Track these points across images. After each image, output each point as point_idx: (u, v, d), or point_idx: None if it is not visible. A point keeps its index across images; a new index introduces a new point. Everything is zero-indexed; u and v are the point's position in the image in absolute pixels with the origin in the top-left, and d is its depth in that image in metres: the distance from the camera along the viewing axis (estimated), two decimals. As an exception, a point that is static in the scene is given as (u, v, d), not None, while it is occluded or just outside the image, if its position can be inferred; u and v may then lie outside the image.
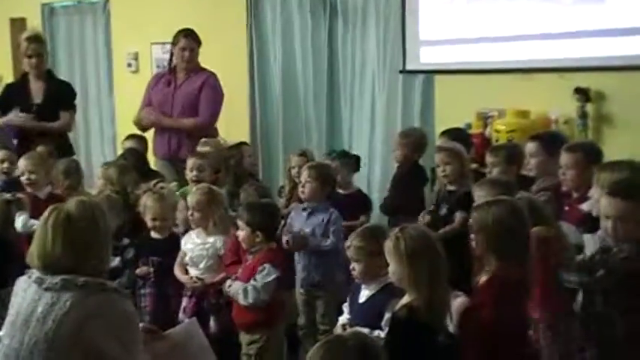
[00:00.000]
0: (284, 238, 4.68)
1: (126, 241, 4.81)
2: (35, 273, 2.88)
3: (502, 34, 6.10)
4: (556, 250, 3.55)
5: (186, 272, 4.60)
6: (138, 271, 4.66)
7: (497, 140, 5.66)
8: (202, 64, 6.59)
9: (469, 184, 4.67)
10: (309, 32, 7.22)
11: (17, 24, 9.41)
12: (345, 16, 7.02)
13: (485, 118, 6.03)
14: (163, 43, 7.58)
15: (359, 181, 5.88)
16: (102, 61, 9.07)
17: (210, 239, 4.55)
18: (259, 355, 4.28)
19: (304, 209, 4.85)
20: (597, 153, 4.42)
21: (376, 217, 5.73)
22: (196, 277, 4.53)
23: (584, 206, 4.04)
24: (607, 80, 5.57)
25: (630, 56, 5.45)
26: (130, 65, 8.71)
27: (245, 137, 7.07)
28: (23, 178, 5.48)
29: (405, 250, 3.12)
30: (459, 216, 4.68)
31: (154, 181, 5.15)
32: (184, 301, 4.55)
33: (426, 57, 6.56)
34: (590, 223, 3.77)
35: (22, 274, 2.98)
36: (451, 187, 4.86)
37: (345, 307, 3.73)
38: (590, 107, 5.59)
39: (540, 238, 3.37)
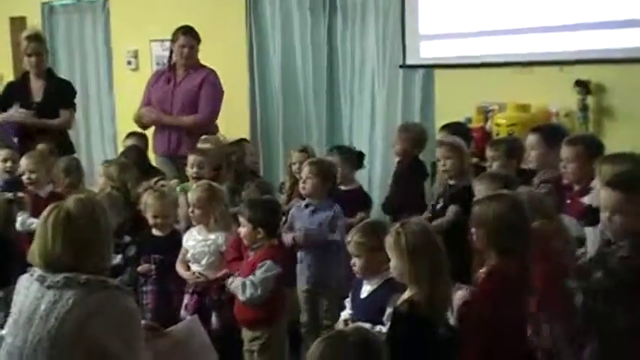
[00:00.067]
0: (289, 236, 4.68)
1: (127, 238, 4.82)
2: (37, 271, 2.88)
3: (502, 28, 6.10)
4: (558, 246, 3.56)
5: (188, 269, 4.60)
6: (139, 268, 4.67)
7: (497, 134, 5.65)
8: (202, 61, 6.59)
9: (469, 178, 4.67)
10: (309, 29, 7.22)
11: (17, 23, 9.41)
12: (345, 12, 7.01)
13: (485, 112, 6.03)
14: (163, 41, 7.58)
15: (359, 177, 5.87)
16: (102, 59, 9.07)
17: (212, 236, 4.56)
18: (261, 351, 4.28)
19: (307, 206, 4.84)
20: (598, 146, 4.42)
21: (376, 214, 5.72)
22: (198, 273, 4.54)
23: (586, 199, 4.05)
24: (607, 73, 5.56)
25: (630, 48, 5.45)
26: (129, 63, 8.71)
27: (245, 134, 7.08)
28: (24, 178, 5.49)
29: (406, 245, 3.13)
30: (450, 209, 4.70)
31: (155, 179, 5.15)
32: (186, 298, 4.56)
33: (426, 52, 6.55)
34: (591, 216, 3.76)
35: (24, 272, 2.98)
36: (451, 182, 4.87)
37: (347, 303, 3.73)
38: (590, 100, 5.59)
39: (542, 234, 3.37)
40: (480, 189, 4.06)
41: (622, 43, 5.50)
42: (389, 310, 3.33)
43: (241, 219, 4.28)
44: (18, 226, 5.10)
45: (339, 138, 7.13)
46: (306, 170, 4.85)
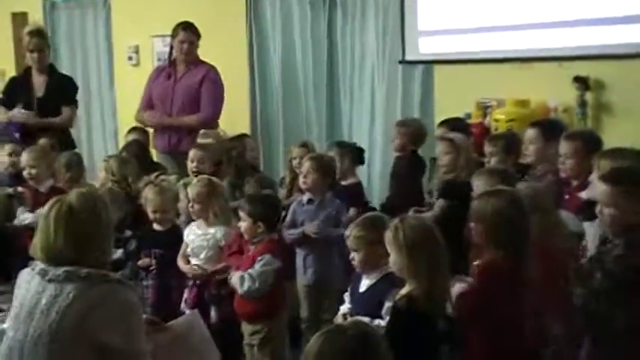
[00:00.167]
0: (298, 231, 4.71)
1: (128, 233, 4.85)
2: (39, 265, 2.89)
3: (501, 24, 6.10)
4: (556, 243, 3.56)
5: (189, 263, 4.61)
6: (140, 262, 4.68)
7: (496, 129, 5.66)
8: (202, 57, 6.59)
9: (469, 174, 4.68)
10: (309, 24, 7.22)
11: (19, 18, 9.42)
12: (344, 7, 7.02)
13: (484, 108, 6.04)
14: (164, 36, 7.57)
15: (358, 172, 5.87)
16: (103, 54, 9.07)
17: (211, 230, 4.57)
18: (261, 345, 4.29)
19: (309, 201, 4.85)
20: (597, 141, 4.43)
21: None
22: (197, 266, 4.55)
23: (584, 194, 4.06)
24: (606, 69, 5.57)
25: (629, 44, 5.44)
26: (130, 59, 8.72)
27: (245, 129, 7.09)
28: (25, 173, 5.51)
29: (405, 240, 3.14)
30: (437, 204, 4.75)
31: (155, 174, 5.16)
32: (186, 293, 4.57)
33: (426, 47, 6.56)
34: (589, 211, 3.77)
35: (26, 266, 2.99)
36: (447, 177, 4.89)
37: (346, 297, 3.74)
38: (589, 96, 5.59)
39: (541, 230, 3.38)
40: (479, 184, 4.06)
41: (621, 39, 5.49)
42: (388, 305, 3.34)
43: (241, 213, 4.29)
44: (15, 220, 5.12)
45: (338, 133, 7.14)
46: (306, 165, 4.86)
